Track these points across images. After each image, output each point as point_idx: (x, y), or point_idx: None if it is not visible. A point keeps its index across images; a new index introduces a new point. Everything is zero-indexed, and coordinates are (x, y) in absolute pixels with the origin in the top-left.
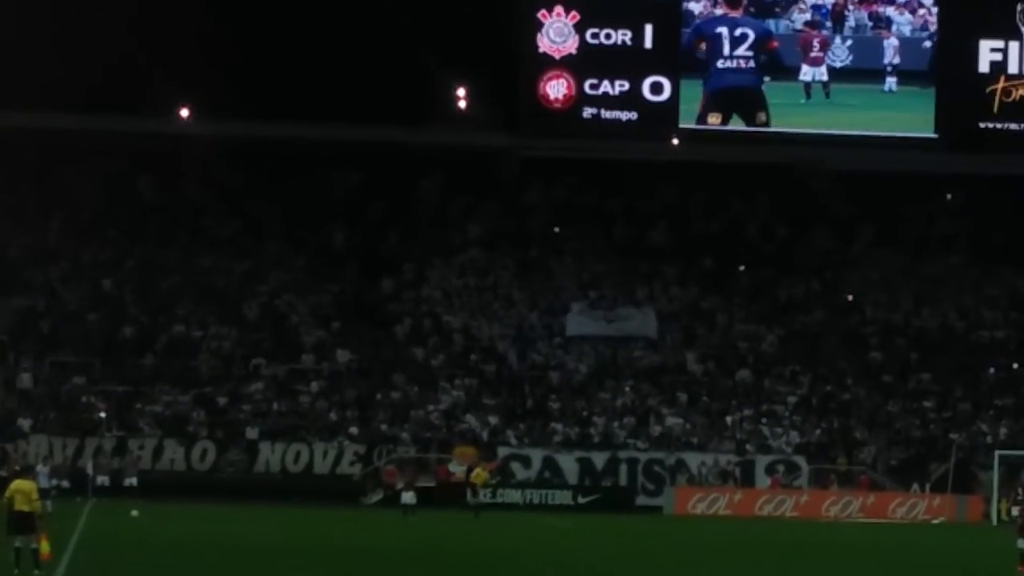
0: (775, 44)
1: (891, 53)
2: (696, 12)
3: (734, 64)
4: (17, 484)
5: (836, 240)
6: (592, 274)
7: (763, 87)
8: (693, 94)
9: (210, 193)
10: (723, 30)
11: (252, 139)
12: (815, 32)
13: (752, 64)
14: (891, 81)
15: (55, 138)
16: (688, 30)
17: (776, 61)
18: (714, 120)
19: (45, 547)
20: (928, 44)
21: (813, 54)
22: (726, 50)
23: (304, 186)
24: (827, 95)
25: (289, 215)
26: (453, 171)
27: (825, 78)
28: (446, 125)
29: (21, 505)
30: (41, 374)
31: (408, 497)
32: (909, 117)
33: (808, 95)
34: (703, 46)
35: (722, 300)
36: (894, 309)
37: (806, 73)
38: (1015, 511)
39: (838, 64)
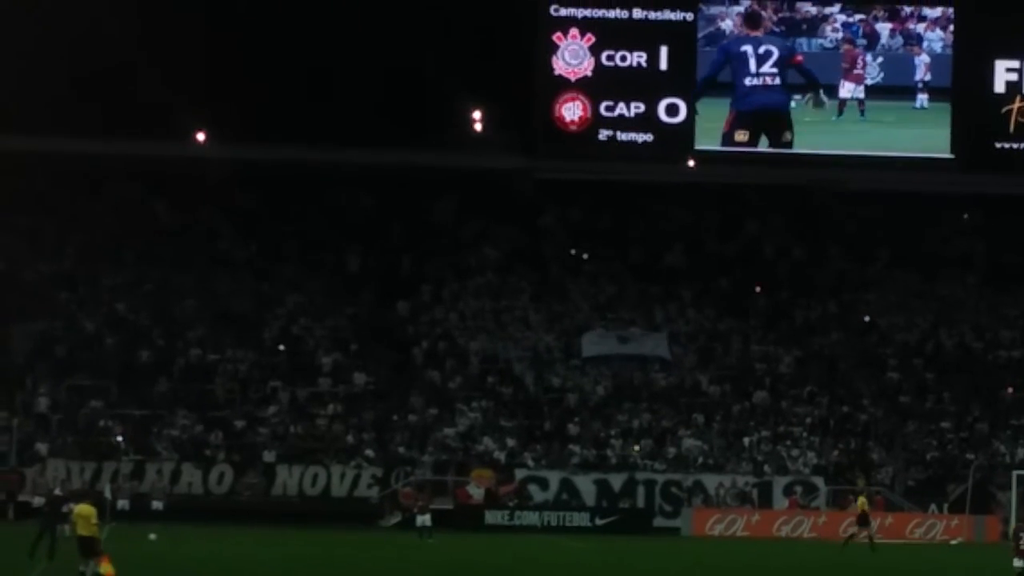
0: (800, 58)
1: (922, 70)
2: (727, 31)
3: (760, 82)
4: (79, 509)
5: (852, 261)
6: (608, 296)
7: (793, 105)
8: (718, 113)
9: (226, 217)
10: (748, 48)
11: (268, 163)
12: (859, 50)
13: (778, 81)
14: (922, 98)
15: (71, 163)
16: (715, 49)
17: (809, 78)
18: (741, 138)
19: (107, 569)
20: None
21: (856, 71)
22: (752, 67)
23: (320, 209)
24: (862, 112)
25: (305, 238)
26: (469, 194)
27: (862, 95)
28: (462, 148)
29: (82, 530)
30: (58, 398)
31: (423, 519)
32: (941, 133)
33: (841, 112)
34: (729, 66)
35: (738, 322)
36: (911, 330)
37: (846, 89)
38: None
39: (869, 81)
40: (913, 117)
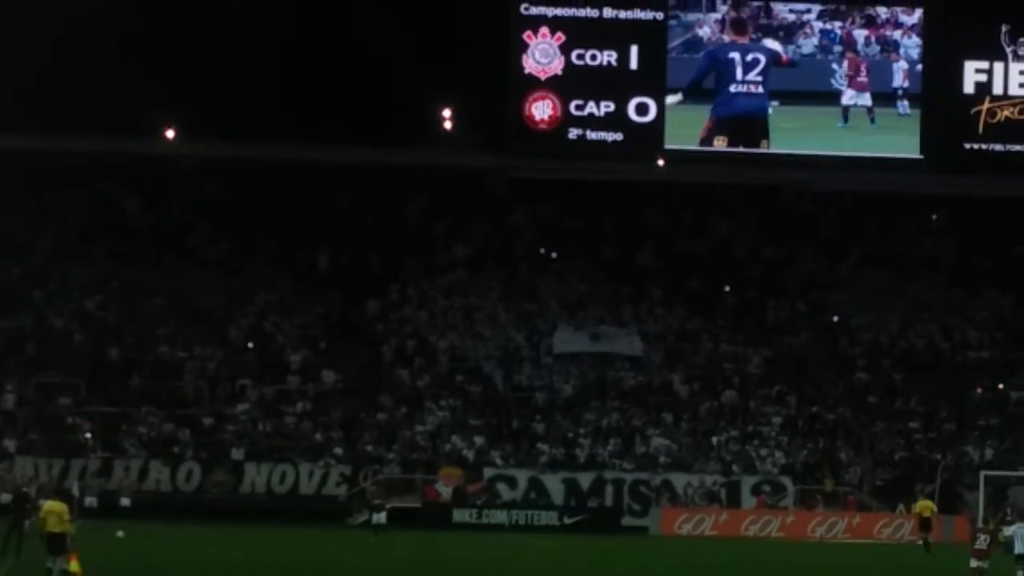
0: (786, 59)
1: (901, 76)
2: (704, 38)
3: (745, 89)
4: (50, 505)
5: (822, 261)
6: (578, 295)
7: (771, 112)
8: (697, 119)
9: (196, 214)
10: (735, 55)
11: (238, 160)
12: (862, 58)
13: (762, 89)
14: (903, 104)
15: (41, 159)
16: (700, 56)
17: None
18: (720, 144)
19: (75, 567)
20: (921, 67)
21: (860, 78)
22: (739, 75)
23: (290, 207)
24: (872, 120)
25: (275, 236)
26: (439, 192)
27: (869, 103)
28: (432, 146)
29: (54, 526)
30: (27, 395)
31: (379, 517)
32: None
33: (846, 119)
34: (714, 72)
35: (708, 321)
36: (880, 330)
37: (849, 97)
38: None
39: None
40: (895, 124)
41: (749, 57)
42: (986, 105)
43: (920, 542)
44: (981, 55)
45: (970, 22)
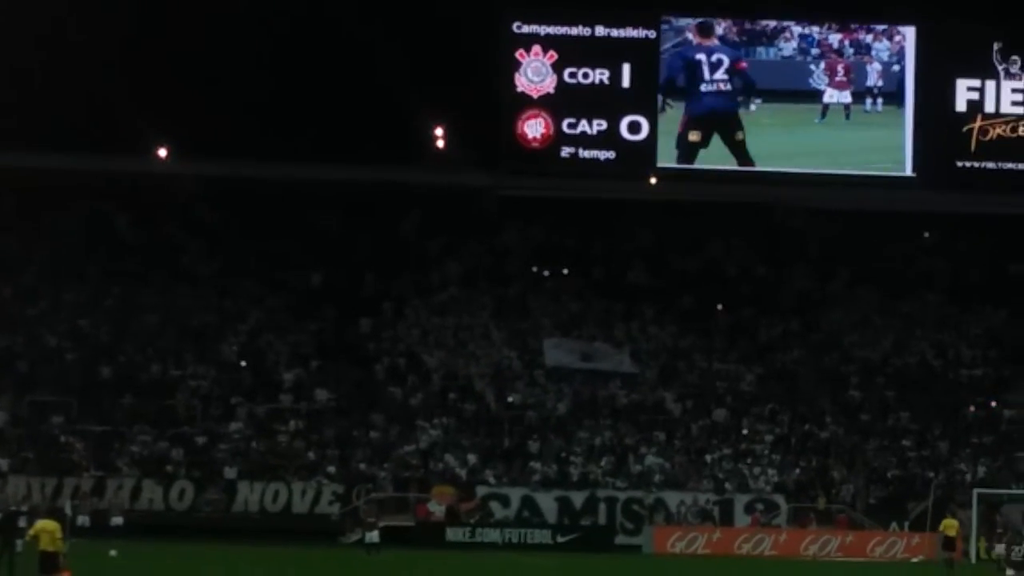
0: (743, 64)
1: (875, 76)
2: (694, 42)
3: (714, 88)
4: (42, 524)
5: (814, 279)
6: (570, 313)
7: (753, 109)
8: (674, 116)
9: (188, 233)
10: (702, 57)
11: (230, 179)
12: (841, 59)
13: (729, 87)
14: (879, 101)
15: (34, 177)
16: (670, 57)
17: (748, 82)
18: (694, 138)
19: None
20: (897, 67)
21: (838, 78)
22: (706, 75)
23: (283, 225)
24: (847, 116)
25: (268, 254)
26: (431, 210)
27: (848, 100)
28: (424, 165)
29: (46, 545)
30: (19, 413)
31: (371, 536)
32: (895, 134)
33: (824, 115)
34: (684, 72)
35: (700, 339)
36: (872, 348)
37: (831, 96)
38: (999, 549)
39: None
40: (868, 120)
41: (714, 58)
42: (978, 123)
43: (943, 561)
44: (973, 73)
45: (962, 40)
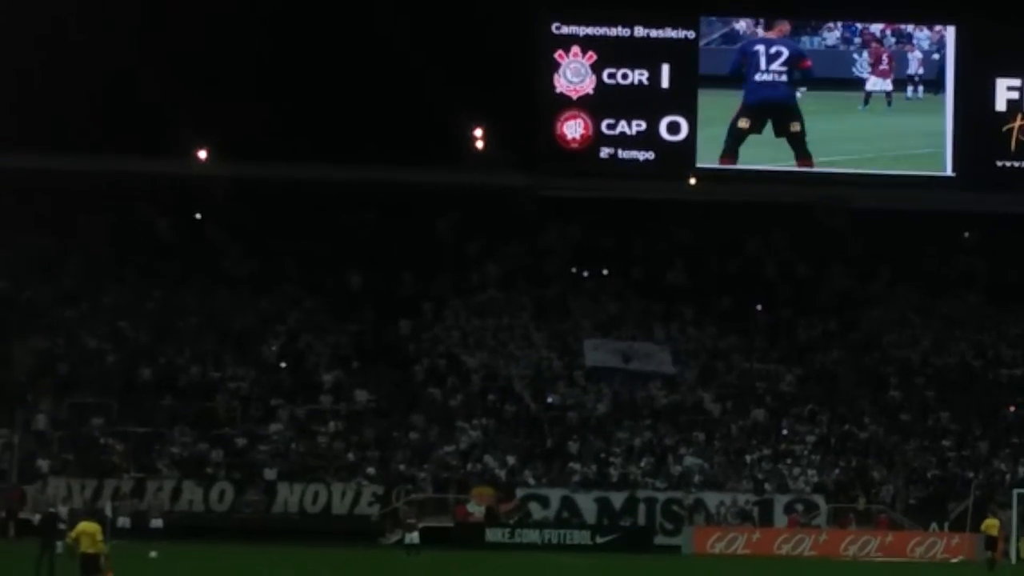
0: (808, 63)
1: (915, 65)
2: (741, 32)
3: (770, 78)
4: (83, 526)
5: (854, 279)
6: (609, 314)
7: (799, 96)
8: (733, 103)
9: (227, 234)
10: (760, 48)
11: (269, 180)
12: (883, 48)
13: (785, 78)
14: (920, 89)
15: (73, 180)
16: (735, 48)
17: (810, 76)
18: (744, 124)
19: None
20: (937, 56)
21: (882, 67)
22: (763, 65)
23: (322, 226)
24: (889, 103)
25: (306, 256)
26: (471, 211)
27: (890, 88)
28: (464, 165)
29: (87, 547)
30: (59, 416)
31: (411, 537)
32: (936, 120)
33: (867, 102)
34: (744, 63)
35: (740, 339)
36: (912, 348)
37: (874, 84)
38: None
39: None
40: (909, 107)
41: (772, 50)
42: (1018, 123)
43: (984, 560)
44: (1013, 72)
45: (1002, 40)
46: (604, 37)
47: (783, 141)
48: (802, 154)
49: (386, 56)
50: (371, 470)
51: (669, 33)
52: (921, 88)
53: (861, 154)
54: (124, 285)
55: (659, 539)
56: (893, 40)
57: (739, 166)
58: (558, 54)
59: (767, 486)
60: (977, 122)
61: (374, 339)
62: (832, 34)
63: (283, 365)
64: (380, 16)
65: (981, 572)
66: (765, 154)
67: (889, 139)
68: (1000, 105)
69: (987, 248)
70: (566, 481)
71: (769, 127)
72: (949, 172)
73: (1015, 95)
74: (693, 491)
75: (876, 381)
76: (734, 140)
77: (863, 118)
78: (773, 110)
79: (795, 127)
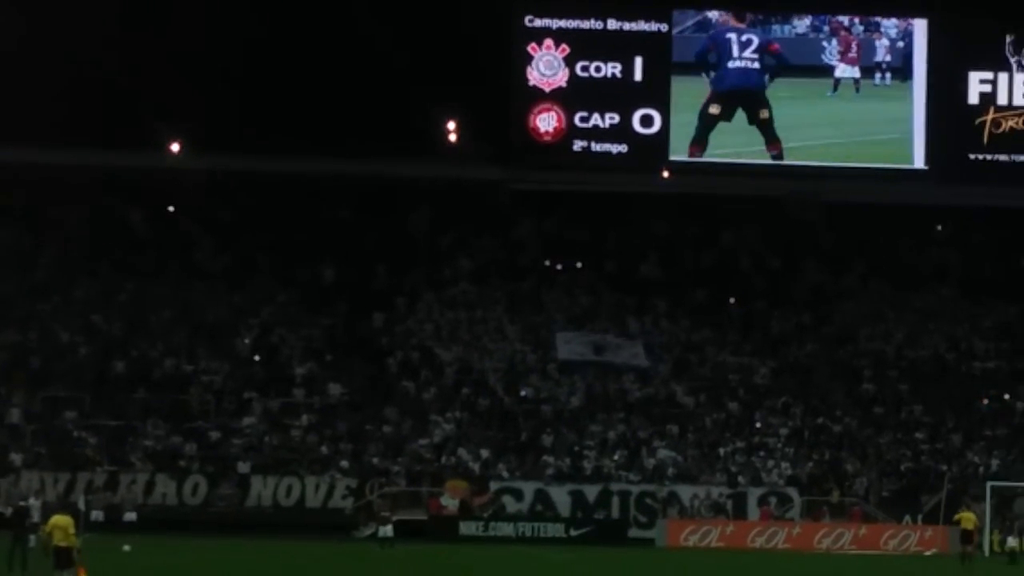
0: (776, 46)
1: (883, 52)
2: (714, 20)
3: (742, 64)
4: (55, 519)
5: (827, 272)
6: (583, 307)
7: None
8: (704, 90)
9: (201, 227)
10: (732, 36)
11: (243, 173)
12: (851, 35)
13: (757, 65)
14: (887, 76)
15: (45, 173)
16: (706, 36)
17: (782, 61)
18: (714, 111)
19: None
20: (902, 44)
21: (851, 54)
22: (735, 52)
23: (295, 219)
24: (857, 90)
25: (280, 248)
26: (444, 204)
27: (858, 75)
28: (436, 158)
29: (59, 540)
30: (32, 409)
31: (384, 531)
32: (903, 107)
33: (835, 89)
34: (715, 50)
35: (713, 333)
36: (886, 341)
37: (842, 71)
38: (1011, 542)
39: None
40: (877, 93)
41: (744, 38)
42: (991, 116)
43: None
44: (986, 66)
45: (974, 33)
46: (577, 30)
47: (753, 128)
48: (771, 139)
49: (359, 49)
50: (345, 463)
51: (642, 26)
52: (889, 75)
53: (830, 139)
54: (97, 278)
55: (633, 532)
56: (861, 28)
57: (712, 158)
58: (531, 47)
59: (741, 479)
60: (950, 115)
61: (347, 332)
62: (802, 22)
63: (256, 358)
64: (353, 10)
65: (954, 565)
66: (735, 140)
67: (857, 124)
68: (973, 98)
69: (960, 241)
70: (540, 474)
71: (740, 114)
72: (922, 165)
73: (988, 88)
74: (667, 484)
75: (850, 374)
76: (704, 127)
77: (832, 104)
78: (743, 97)
79: (764, 114)
